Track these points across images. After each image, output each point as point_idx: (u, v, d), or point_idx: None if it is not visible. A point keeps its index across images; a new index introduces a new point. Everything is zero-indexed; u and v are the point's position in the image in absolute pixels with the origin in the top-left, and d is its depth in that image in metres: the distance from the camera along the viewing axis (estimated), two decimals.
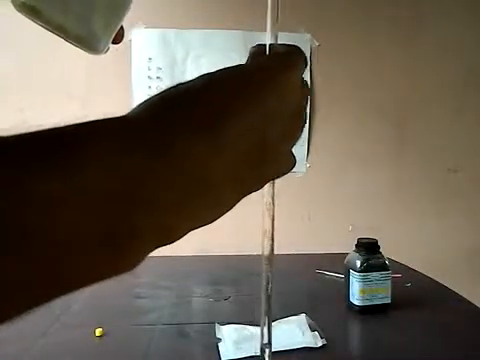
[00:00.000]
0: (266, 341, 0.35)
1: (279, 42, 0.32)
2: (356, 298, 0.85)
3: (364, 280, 0.84)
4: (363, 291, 0.84)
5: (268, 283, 0.34)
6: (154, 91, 1.79)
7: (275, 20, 0.33)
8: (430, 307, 0.90)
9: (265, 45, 0.32)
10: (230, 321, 0.80)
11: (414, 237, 1.94)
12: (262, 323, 0.36)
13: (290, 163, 0.29)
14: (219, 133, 0.22)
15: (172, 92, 0.24)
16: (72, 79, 1.78)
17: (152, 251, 0.21)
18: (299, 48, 0.30)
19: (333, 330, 0.77)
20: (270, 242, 0.34)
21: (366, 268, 0.84)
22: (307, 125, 1.90)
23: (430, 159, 1.98)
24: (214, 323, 0.79)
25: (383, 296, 0.85)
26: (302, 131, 0.29)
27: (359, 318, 0.84)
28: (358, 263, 0.85)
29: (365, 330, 0.82)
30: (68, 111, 1.76)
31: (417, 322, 0.82)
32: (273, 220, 0.33)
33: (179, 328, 0.79)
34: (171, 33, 1.84)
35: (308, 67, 1.89)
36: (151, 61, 1.84)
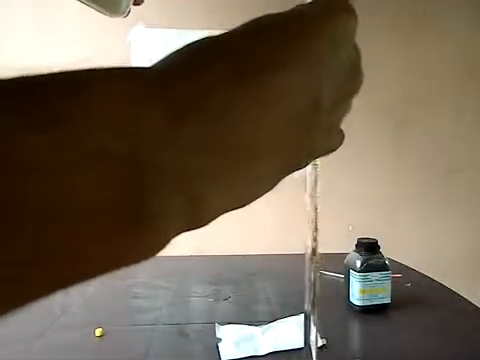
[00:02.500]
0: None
1: None
2: (356, 298, 0.85)
3: (364, 280, 0.84)
4: (363, 291, 0.84)
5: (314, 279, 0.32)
6: None
7: None
8: (430, 307, 0.90)
9: None
10: (230, 321, 0.80)
11: (414, 237, 1.94)
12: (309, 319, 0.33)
13: (340, 138, 0.25)
14: (264, 87, 0.18)
15: (205, 41, 0.20)
16: None
17: (179, 233, 0.18)
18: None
19: (333, 330, 0.77)
20: (315, 233, 0.31)
21: (366, 268, 0.84)
22: None
23: (430, 159, 1.98)
24: (214, 323, 0.79)
25: (383, 296, 0.85)
26: (358, 91, 0.24)
27: (359, 318, 0.84)
28: (358, 263, 0.85)
29: (365, 330, 0.82)
30: None
31: (417, 322, 0.82)
32: (316, 210, 0.30)
33: (179, 328, 0.79)
34: (171, 33, 1.84)
35: None
36: (151, 61, 1.83)
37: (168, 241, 0.17)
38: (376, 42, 1.88)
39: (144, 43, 1.82)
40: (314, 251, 0.30)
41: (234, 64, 0.18)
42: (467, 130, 1.99)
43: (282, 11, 0.23)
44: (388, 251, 0.91)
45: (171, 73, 0.18)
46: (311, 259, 0.31)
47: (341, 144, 0.25)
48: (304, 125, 0.20)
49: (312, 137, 0.21)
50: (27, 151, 0.13)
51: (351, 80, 0.24)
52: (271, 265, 1.20)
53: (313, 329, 0.32)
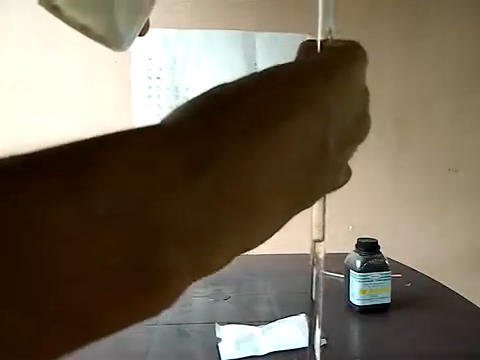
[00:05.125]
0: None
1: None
2: (356, 298, 0.85)
3: (364, 280, 0.84)
4: (363, 291, 0.84)
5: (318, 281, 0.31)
6: (154, 91, 1.78)
7: (327, 12, 0.27)
8: (430, 307, 0.90)
9: (315, 40, 0.27)
10: (230, 321, 0.80)
11: (414, 237, 1.94)
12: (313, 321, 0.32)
13: (347, 174, 0.25)
14: (278, 137, 0.19)
15: (215, 93, 0.20)
16: (71, 80, 1.78)
17: (189, 285, 0.18)
18: (358, 43, 0.25)
19: (333, 330, 0.77)
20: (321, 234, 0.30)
21: (366, 268, 0.84)
22: None
23: (430, 159, 1.98)
24: (214, 323, 0.79)
25: (383, 296, 0.85)
26: (366, 136, 0.25)
27: (359, 318, 0.84)
28: (358, 263, 0.85)
29: (365, 330, 0.82)
30: (66, 112, 1.76)
31: (417, 322, 0.82)
32: (324, 212, 0.29)
33: (179, 328, 0.79)
34: (171, 33, 1.84)
35: None
36: (151, 61, 1.83)
37: (183, 291, 0.18)
38: (376, 42, 1.88)
39: (144, 43, 1.82)
40: (318, 252, 0.30)
41: (247, 115, 0.19)
42: (467, 130, 1.99)
43: (299, 59, 0.26)
44: (388, 251, 0.91)
45: (186, 129, 0.18)
46: (316, 260, 0.31)
47: (348, 180, 0.25)
48: (313, 168, 0.21)
49: (321, 178, 0.22)
50: (48, 222, 0.14)
51: (359, 124, 0.24)
52: (271, 265, 1.20)
53: (318, 331, 0.32)
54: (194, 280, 0.18)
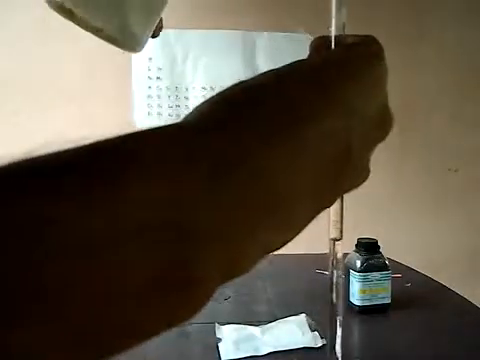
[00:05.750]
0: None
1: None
2: (356, 298, 0.85)
3: (364, 280, 0.84)
4: (363, 291, 0.84)
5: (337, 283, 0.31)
6: (154, 91, 1.78)
7: (339, 7, 0.27)
8: (430, 307, 0.90)
9: (328, 37, 0.26)
10: (230, 321, 0.80)
11: (414, 237, 1.94)
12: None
13: (367, 173, 0.24)
14: (297, 140, 0.19)
15: (236, 93, 0.20)
16: (70, 79, 1.78)
17: (217, 290, 0.18)
18: (374, 38, 0.25)
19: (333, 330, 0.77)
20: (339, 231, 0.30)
21: (366, 268, 0.84)
22: None
23: (430, 159, 1.98)
24: (214, 323, 0.79)
25: (383, 296, 0.85)
26: (388, 134, 0.25)
27: (359, 318, 0.84)
28: (358, 263, 0.85)
29: (365, 330, 0.82)
30: (66, 113, 1.76)
31: (417, 322, 0.82)
32: (342, 210, 0.29)
33: (179, 328, 0.79)
34: (171, 33, 1.84)
35: None
36: (151, 61, 1.83)
37: (212, 296, 0.17)
38: None
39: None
40: (337, 254, 0.30)
41: (270, 117, 0.18)
42: (467, 130, 1.99)
43: (314, 57, 0.24)
44: (388, 251, 0.91)
45: (208, 131, 0.18)
46: (335, 261, 0.30)
47: (367, 178, 0.25)
48: (336, 170, 0.21)
49: (343, 180, 0.22)
50: (77, 234, 0.13)
51: (382, 124, 0.24)
52: (271, 265, 1.20)
53: (339, 332, 0.31)
54: (220, 285, 0.18)
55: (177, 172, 0.16)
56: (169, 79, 1.85)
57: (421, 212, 1.98)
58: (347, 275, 0.87)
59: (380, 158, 1.74)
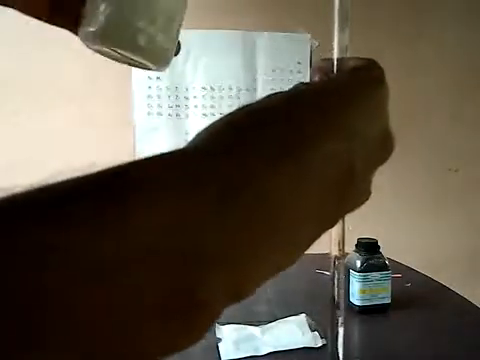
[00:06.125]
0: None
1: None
2: (356, 298, 0.85)
3: (364, 280, 0.84)
4: (363, 291, 0.84)
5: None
6: (154, 91, 1.77)
7: (343, 28, 0.27)
8: (430, 307, 0.90)
9: (331, 60, 0.27)
10: (230, 321, 0.80)
11: (414, 237, 1.94)
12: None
13: (369, 193, 0.25)
14: (300, 163, 0.19)
15: (241, 117, 0.20)
16: (70, 80, 1.78)
17: (222, 314, 0.18)
18: (375, 61, 0.26)
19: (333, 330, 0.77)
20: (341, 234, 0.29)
21: (366, 268, 0.84)
22: None
23: (430, 159, 1.98)
24: (214, 323, 0.79)
25: (383, 296, 0.85)
26: (390, 156, 0.25)
27: (359, 318, 0.84)
28: (358, 263, 0.85)
29: (365, 330, 0.82)
30: (66, 113, 1.76)
31: (417, 322, 0.82)
32: (343, 229, 0.29)
33: None
34: None
35: (308, 67, 1.89)
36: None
37: (218, 318, 0.18)
38: (376, 42, 1.88)
39: None
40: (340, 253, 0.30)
41: (275, 142, 0.19)
42: (467, 130, 1.99)
43: (317, 81, 0.26)
44: (388, 251, 0.91)
45: (215, 155, 0.18)
46: (337, 280, 0.30)
47: (368, 198, 0.25)
48: (339, 191, 0.21)
49: (346, 201, 0.23)
50: (80, 262, 0.14)
51: (384, 146, 0.24)
52: None
53: (341, 331, 0.31)
54: (227, 307, 0.18)
55: (184, 197, 0.16)
56: (169, 79, 1.85)
57: (421, 212, 1.98)
58: (347, 275, 0.87)
59: None
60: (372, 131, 0.23)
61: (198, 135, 0.19)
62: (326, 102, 0.21)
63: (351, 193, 0.22)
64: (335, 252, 0.29)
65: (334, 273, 0.30)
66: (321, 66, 0.27)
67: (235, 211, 0.17)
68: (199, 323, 0.17)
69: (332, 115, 0.21)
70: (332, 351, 0.30)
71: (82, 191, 0.15)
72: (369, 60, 0.26)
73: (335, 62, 0.26)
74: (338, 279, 0.30)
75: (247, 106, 0.20)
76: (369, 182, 0.25)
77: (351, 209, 0.24)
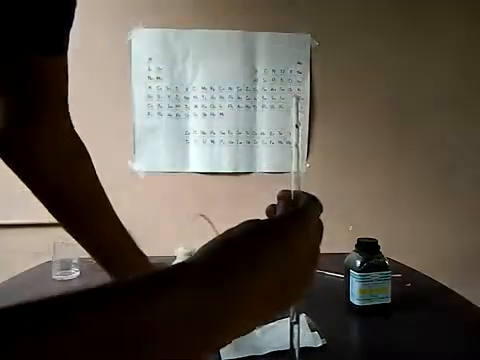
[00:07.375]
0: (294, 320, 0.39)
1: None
2: (356, 298, 0.85)
3: (364, 280, 0.84)
4: (363, 291, 0.84)
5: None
6: (154, 91, 1.77)
7: (297, 167, 0.38)
8: (430, 307, 0.90)
9: (289, 191, 0.38)
10: None
11: (414, 237, 1.94)
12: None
13: (311, 281, 0.34)
14: (258, 274, 0.29)
15: (224, 242, 0.30)
16: (70, 79, 1.78)
17: None
18: (317, 198, 0.36)
19: (333, 330, 0.77)
20: None
21: (366, 268, 0.84)
22: (307, 125, 1.90)
23: (430, 159, 1.98)
24: None
25: (383, 296, 0.85)
26: (316, 267, 0.34)
27: (359, 318, 0.84)
28: (358, 263, 0.85)
29: (365, 330, 0.82)
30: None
31: (417, 322, 0.82)
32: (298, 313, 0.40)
33: None
34: (171, 33, 1.84)
35: (308, 67, 1.89)
36: (151, 61, 1.83)
37: None
38: (376, 42, 1.88)
39: (144, 43, 1.82)
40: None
41: (240, 261, 0.28)
42: (467, 130, 1.99)
43: (268, 219, 0.35)
44: (388, 251, 0.91)
45: (207, 271, 0.27)
46: (295, 343, 0.41)
47: (312, 284, 0.34)
48: (285, 288, 0.31)
49: (288, 297, 0.32)
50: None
51: (315, 256, 0.34)
52: None
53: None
54: None
55: (190, 303, 0.25)
56: (169, 79, 1.85)
57: (421, 212, 1.98)
58: (347, 275, 0.87)
59: (380, 158, 1.75)
60: (306, 251, 0.32)
61: (197, 252, 0.29)
62: (274, 233, 0.31)
63: (291, 291, 0.32)
64: (291, 320, 0.38)
65: (292, 342, 0.39)
66: (281, 195, 0.37)
67: (217, 307, 0.27)
68: None
69: (279, 241, 0.30)
70: None
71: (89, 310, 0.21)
72: (310, 197, 0.36)
73: (292, 193, 0.37)
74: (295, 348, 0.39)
75: (232, 232, 0.30)
76: (311, 276, 0.33)
77: (295, 299, 0.34)
